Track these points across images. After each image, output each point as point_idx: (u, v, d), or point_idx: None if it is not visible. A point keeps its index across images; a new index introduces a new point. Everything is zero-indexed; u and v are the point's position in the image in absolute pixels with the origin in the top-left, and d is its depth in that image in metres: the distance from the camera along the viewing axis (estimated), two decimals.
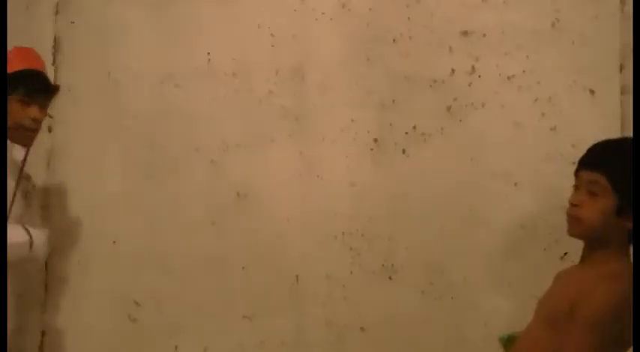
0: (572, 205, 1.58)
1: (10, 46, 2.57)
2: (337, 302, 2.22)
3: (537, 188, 2.09)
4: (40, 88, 2.02)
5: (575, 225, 1.57)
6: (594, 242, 1.57)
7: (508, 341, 1.71)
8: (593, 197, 1.53)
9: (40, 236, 2.00)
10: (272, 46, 2.35)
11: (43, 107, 2.04)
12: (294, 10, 2.33)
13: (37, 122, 2.01)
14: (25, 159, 2.06)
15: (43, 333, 2.52)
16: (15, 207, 2.00)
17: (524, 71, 2.12)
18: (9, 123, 1.96)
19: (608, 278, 1.50)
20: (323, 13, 2.30)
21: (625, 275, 1.50)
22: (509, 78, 2.14)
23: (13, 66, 2.00)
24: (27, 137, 2.02)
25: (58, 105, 2.56)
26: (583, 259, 1.62)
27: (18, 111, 1.97)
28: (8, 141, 1.99)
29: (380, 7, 2.25)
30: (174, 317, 2.40)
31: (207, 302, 2.35)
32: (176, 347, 2.40)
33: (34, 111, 1.99)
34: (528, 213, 2.09)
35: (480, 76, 2.16)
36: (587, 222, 1.54)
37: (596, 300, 1.47)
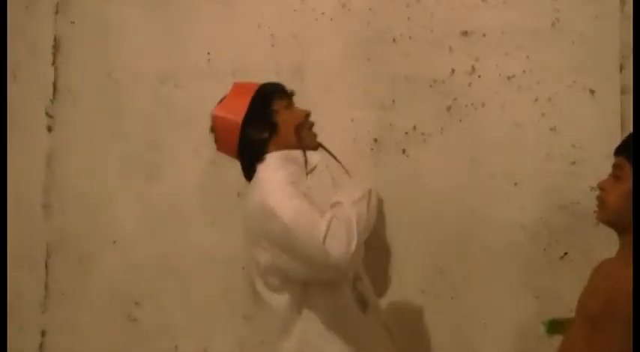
0: (599, 189, 1.60)
1: (10, 46, 2.58)
2: None
3: (537, 188, 2.09)
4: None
5: (600, 208, 1.59)
6: (622, 230, 1.57)
7: (551, 326, 1.71)
8: (618, 180, 1.56)
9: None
10: (272, 46, 2.35)
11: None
12: (294, 10, 2.33)
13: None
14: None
15: (43, 333, 2.52)
16: None
17: (524, 71, 2.12)
18: (292, 128, 1.84)
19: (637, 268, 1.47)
20: (323, 13, 2.30)
21: None
22: (509, 78, 2.14)
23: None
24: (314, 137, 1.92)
25: (58, 105, 2.57)
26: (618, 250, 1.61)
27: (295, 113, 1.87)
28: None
29: (380, 7, 2.25)
30: (175, 317, 2.40)
31: (207, 302, 2.35)
32: (176, 347, 2.40)
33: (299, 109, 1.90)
34: (528, 213, 2.09)
35: (479, 76, 2.16)
36: (609, 205, 1.56)
37: (626, 293, 1.45)
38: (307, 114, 1.89)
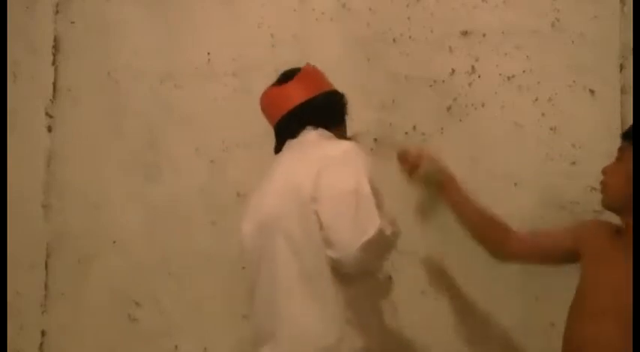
0: (602, 174, 1.61)
1: (10, 46, 2.58)
2: None
3: (537, 188, 2.09)
4: None
5: (603, 192, 1.59)
6: (623, 212, 1.56)
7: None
8: (619, 163, 1.57)
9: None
10: (272, 46, 2.35)
11: None
12: (294, 10, 2.33)
13: None
14: None
15: (43, 333, 2.52)
16: None
17: (524, 71, 2.12)
18: None
19: None
20: (323, 13, 2.30)
21: None
22: (509, 78, 2.14)
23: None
24: None
25: (58, 105, 2.57)
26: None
27: None
28: None
29: (380, 7, 2.25)
30: (174, 317, 2.40)
31: (207, 302, 2.35)
32: (176, 347, 2.40)
33: None
34: (528, 213, 2.09)
35: (479, 76, 2.16)
36: (612, 187, 1.57)
37: None
38: None
